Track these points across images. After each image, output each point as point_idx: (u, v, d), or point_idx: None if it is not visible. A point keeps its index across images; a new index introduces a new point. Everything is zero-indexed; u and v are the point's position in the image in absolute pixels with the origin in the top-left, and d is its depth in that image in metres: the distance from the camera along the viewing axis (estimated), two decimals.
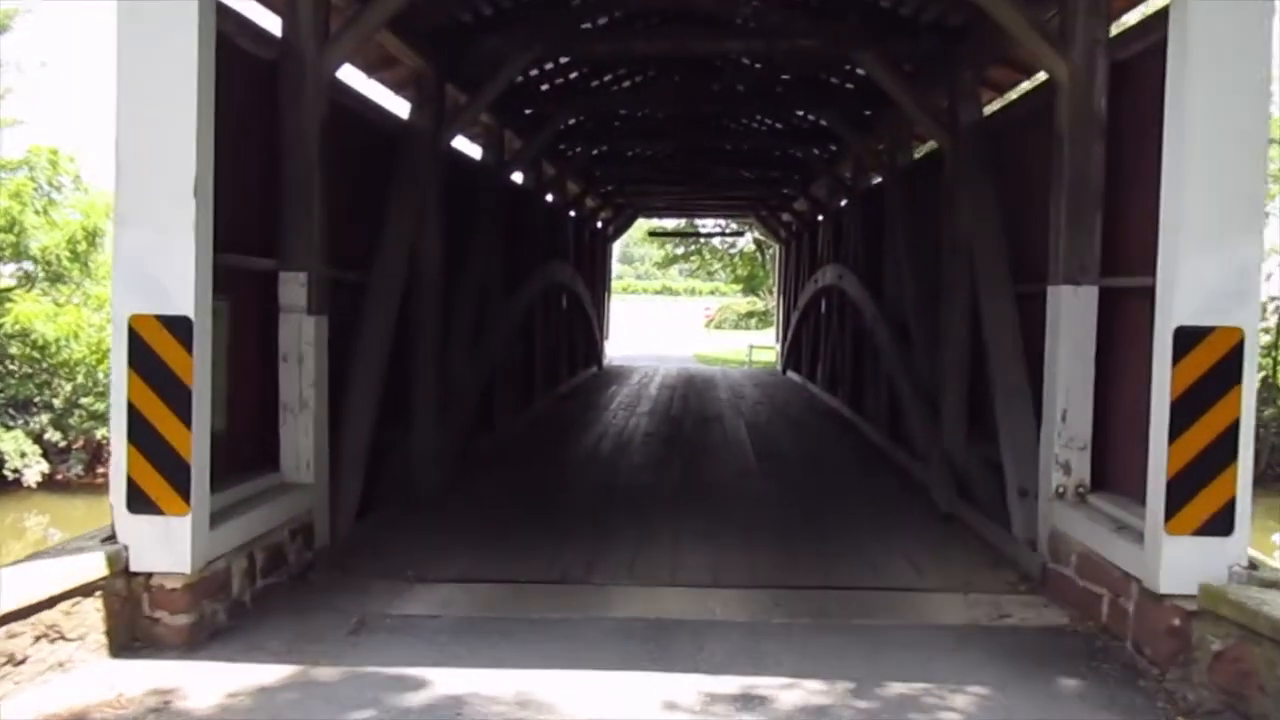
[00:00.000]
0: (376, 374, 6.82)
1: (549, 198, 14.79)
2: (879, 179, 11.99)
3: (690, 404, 14.78)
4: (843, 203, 14.74)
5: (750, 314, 48.19)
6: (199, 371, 4.34)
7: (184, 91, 4.28)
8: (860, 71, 10.38)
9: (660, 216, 24.78)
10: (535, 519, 7.10)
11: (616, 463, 9.55)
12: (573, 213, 17.75)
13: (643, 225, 32.31)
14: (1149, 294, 4.90)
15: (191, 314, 4.30)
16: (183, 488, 4.29)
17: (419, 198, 7.72)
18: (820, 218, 17.46)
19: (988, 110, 8.02)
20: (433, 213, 8.06)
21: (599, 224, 21.24)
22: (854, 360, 12.98)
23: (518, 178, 12.91)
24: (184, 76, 4.27)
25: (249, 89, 5.52)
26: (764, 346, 45.57)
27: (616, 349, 45.57)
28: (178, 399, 4.28)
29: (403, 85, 8.71)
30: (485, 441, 10.10)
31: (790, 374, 19.90)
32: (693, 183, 19.52)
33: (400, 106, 8.36)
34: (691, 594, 5.31)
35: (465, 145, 10.89)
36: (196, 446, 4.32)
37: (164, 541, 4.29)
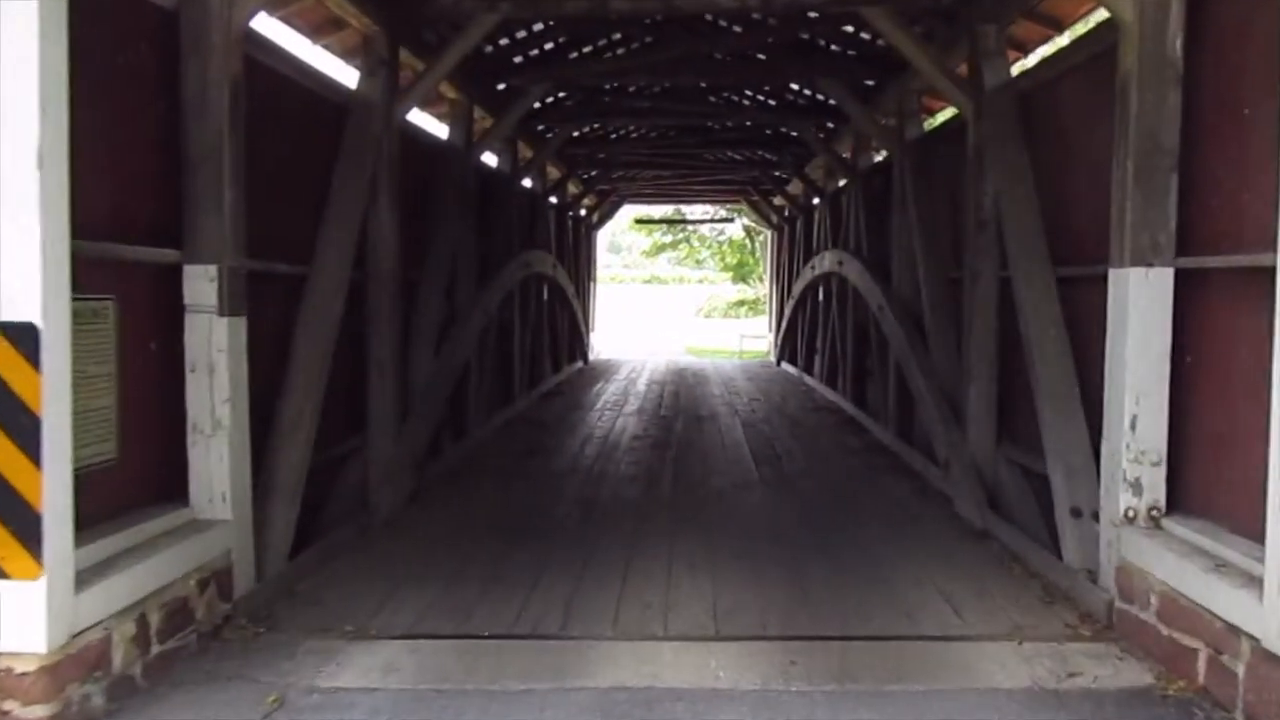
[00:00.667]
0: (316, 381, 5.86)
1: (526, 182, 13.80)
2: (883, 155, 11.05)
3: (681, 401, 13.85)
4: (841, 183, 13.80)
5: (740, 303, 47.22)
6: (52, 393, 3.37)
7: (21, 35, 3.30)
8: (865, 36, 9.48)
9: (647, 203, 23.76)
10: (506, 546, 6.15)
11: (601, 472, 8.61)
12: (553, 199, 16.79)
13: (630, 213, 31.36)
14: (1246, 275, 4.01)
15: (39, 320, 3.32)
16: (32, 543, 3.32)
17: (369, 177, 6.74)
18: (816, 201, 16.52)
19: (1015, 71, 7.08)
20: (387, 195, 7.09)
21: (582, 211, 20.25)
22: (856, 352, 12.07)
23: (490, 160, 11.95)
24: (20, 14, 3.29)
25: (150, 45, 4.56)
26: (755, 335, 44.88)
27: (604, 341, 44.70)
28: (22, 430, 3.31)
29: (353, 53, 7.71)
30: (456, 449, 9.16)
31: (785, 366, 19.00)
32: (680, 166, 18.58)
33: (351, 76, 7.37)
34: (688, 650, 4.36)
35: (432, 125, 9.93)
36: (51, 489, 3.36)
37: (11, 614, 3.34)
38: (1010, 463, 6.83)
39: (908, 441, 9.27)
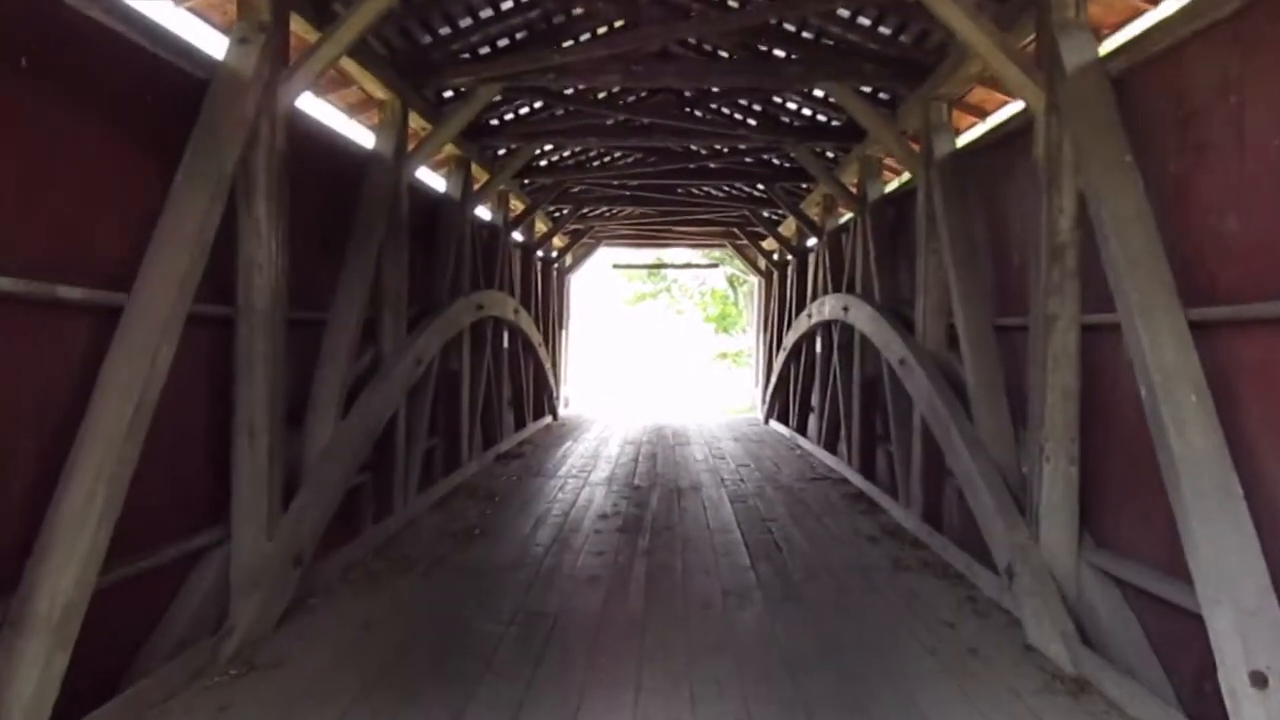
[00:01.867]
0: (112, 454, 4.01)
1: (484, 214, 12.07)
2: (902, 179, 9.41)
3: (659, 467, 12.00)
4: (843, 219, 12.17)
5: (722, 355, 45.57)
6: None
7: None
8: (883, 30, 7.88)
9: (625, 246, 22.11)
10: (419, 685, 4.28)
11: (554, 569, 6.71)
12: (518, 236, 15.06)
13: (610, 259, 29.82)
14: None
15: None
16: None
17: (229, 175, 4.96)
18: (812, 241, 14.89)
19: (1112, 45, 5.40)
20: (267, 205, 5.31)
21: (553, 253, 18.52)
22: (864, 413, 10.29)
23: (437, 184, 10.21)
24: None
25: None
26: (738, 389, 43.18)
27: (580, 394, 42.88)
28: None
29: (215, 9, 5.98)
30: (376, 531, 7.27)
31: (774, 424, 17.19)
32: (660, 203, 16.91)
33: (218, 47, 5.60)
34: None
35: (362, 135, 8.18)
36: None
37: None
38: (1102, 574, 5.02)
39: (936, 527, 7.45)
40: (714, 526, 8.24)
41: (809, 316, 13.08)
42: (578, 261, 21.12)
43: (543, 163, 13.19)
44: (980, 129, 8.33)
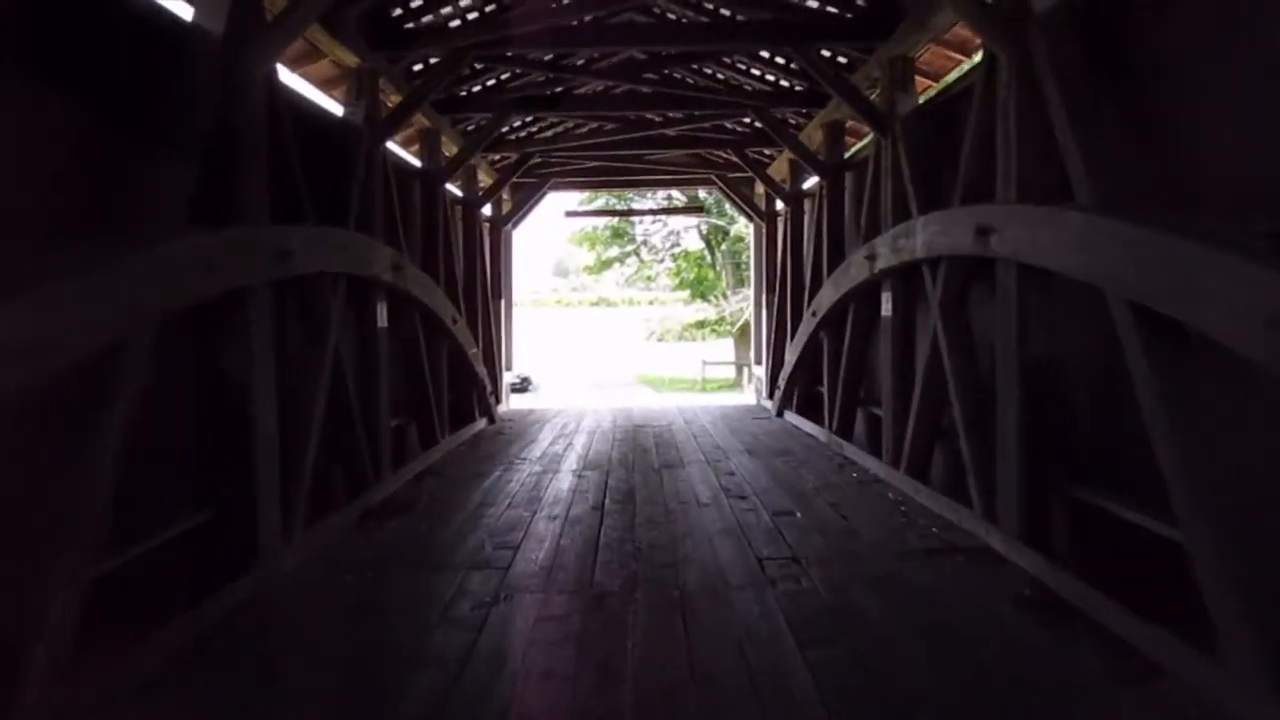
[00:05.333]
0: None
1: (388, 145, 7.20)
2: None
3: (638, 504, 7.22)
4: (916, 102, 7.46)
5: (700, 324, 40.68)
6: None
7: None
8: None
9: (583, 187, 17.09)
10: None
11: None
12: (417, 162, 10.16)
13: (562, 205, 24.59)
14: None
15: None
16: None
17: None
18: (846, 159, 10.14)
19: None
20: None
21: (479, 191, 13.47)
22: (975, 409, 5.53)
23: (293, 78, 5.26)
24: None
25: None
26: (718, 361, 38.26)
27: (538, 374, 37.76)
28: None
29: None
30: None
31: (792, 418, 12.39)
32: (627, 122, 12.27)
33: None
34: None
35: None
36: None
37: None
38: None
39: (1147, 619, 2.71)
40: (759, 671, 3.47)
41: (868, 261, 8.22)
42: (520, 209, 16.01)
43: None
44: None
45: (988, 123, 5.73)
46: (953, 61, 8.76)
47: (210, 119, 4.76)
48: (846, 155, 10.78)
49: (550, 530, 6.54)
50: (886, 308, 8.03)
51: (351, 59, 7.73)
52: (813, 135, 11.39)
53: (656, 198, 24.08)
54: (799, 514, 6.84)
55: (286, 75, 6.99)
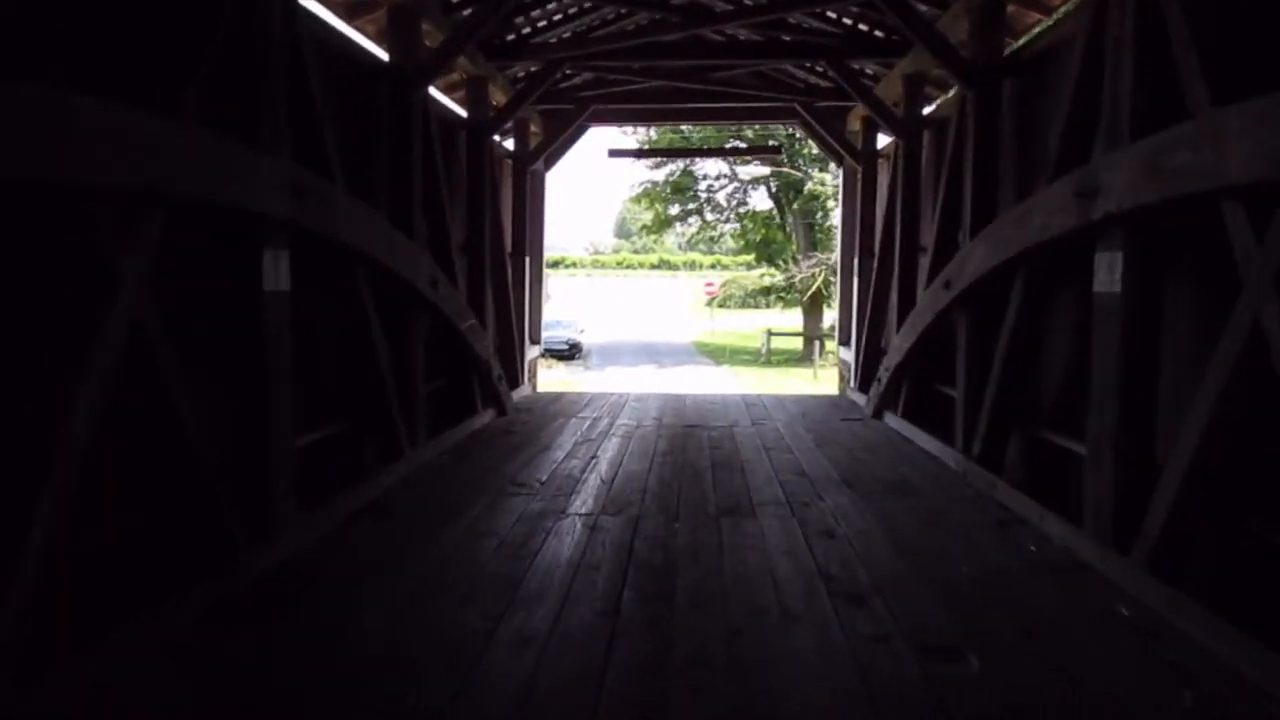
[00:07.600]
0: None
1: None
2: None
3: (678, 605, 4.16)
4: None
5: (768, 290, 37.22)
6: None
7: None
8: None
9: (629, 122, 13.84)
10: None
11: None
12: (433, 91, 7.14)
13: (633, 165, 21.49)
14: None
15: None
16: None
17: None
18: (1017, 52, 6.82)
19: None
20: None
21: (490, 113, 10.34)
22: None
23: None
24: None
25: None
26: (785, 331, 34.87)
27: (590, 338, 34.72)
28: None
29: None
30: None
31: (894, 424, 9.20)
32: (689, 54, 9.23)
33: None
34: None
35: None
36: None
37: None
38: None
39: None
40: None
41: (1079, 201, 4.93)
42: (552, 144, 12.83)
43: None
44: None
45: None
46: None
47: None
48: (1015, 46, 7.47)
49: (559, 570, 3.56)
50: (1110, 277, 4.74)
51: None
52: (955, 23, 8.04)
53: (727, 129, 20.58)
54: (971, 657, 3.68)
55: None
